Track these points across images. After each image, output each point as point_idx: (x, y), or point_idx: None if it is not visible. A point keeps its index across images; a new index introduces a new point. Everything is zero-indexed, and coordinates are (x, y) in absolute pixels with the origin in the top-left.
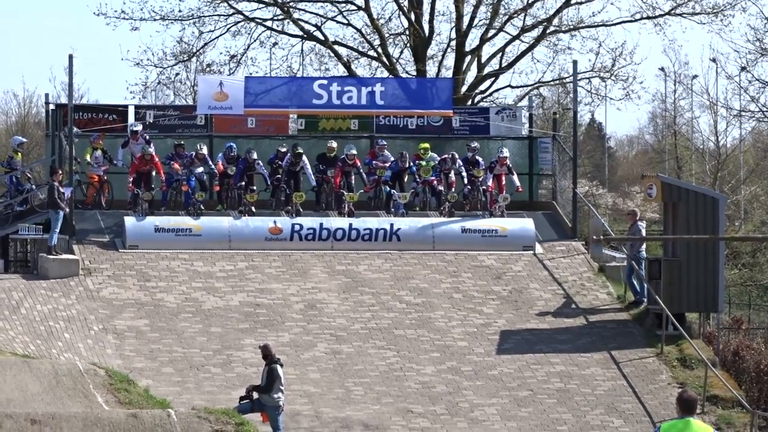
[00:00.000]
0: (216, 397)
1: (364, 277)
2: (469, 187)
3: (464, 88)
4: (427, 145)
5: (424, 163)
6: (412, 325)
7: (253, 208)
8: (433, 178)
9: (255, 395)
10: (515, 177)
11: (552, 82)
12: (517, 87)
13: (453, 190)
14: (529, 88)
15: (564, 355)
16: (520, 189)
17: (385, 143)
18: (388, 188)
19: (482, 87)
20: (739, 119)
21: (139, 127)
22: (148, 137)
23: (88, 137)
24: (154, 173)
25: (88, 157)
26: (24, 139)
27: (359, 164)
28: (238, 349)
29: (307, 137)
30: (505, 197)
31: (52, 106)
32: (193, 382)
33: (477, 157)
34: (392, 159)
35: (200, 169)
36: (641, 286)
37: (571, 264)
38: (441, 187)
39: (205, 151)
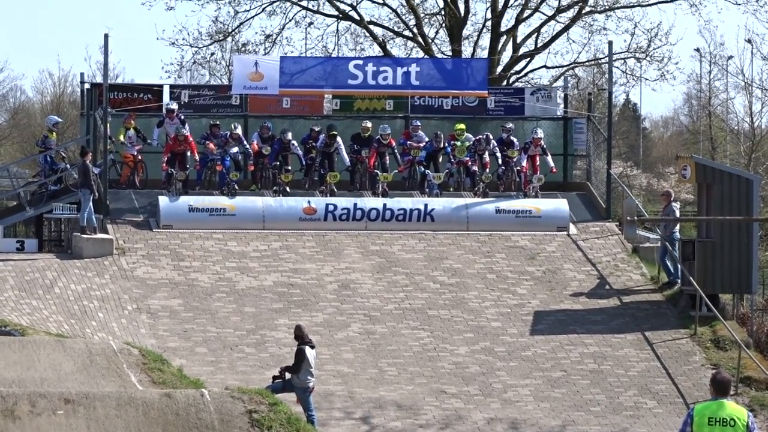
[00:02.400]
0: (249, 377)
1: (398, 257)
2: (503, 167)
3: (499, 69)
4: (462, 125)
5: (458, 143)
6: (446, 306)
7: (288, 188)
8: (467, 158)
9: (288, 375)
10: (549, 158)
11: (587, 63)
12: (553, 67)
13: (487, 170)
14: (565, 68)
15: (597, 336)
16: (555, 170)
17: (420, 123)
18: (422, 168)
19: (517, 67)
20: None
21: (175, 106)
22: (183, 117)
23: (122, 117)
24: (188, 153)
25: (121, 137)
26: (59, 119)
27: (394, 144)
28: (272, 329)
29: (342, 117)
30: (539, 178)
31: (87, 86)
32: (226, 362)
33: (512, 138)
34: (427, 139)
35: (235, 149)
36: (675, 267)
37: (605, 245)
38: (475, 168)
39: (239, 130)
